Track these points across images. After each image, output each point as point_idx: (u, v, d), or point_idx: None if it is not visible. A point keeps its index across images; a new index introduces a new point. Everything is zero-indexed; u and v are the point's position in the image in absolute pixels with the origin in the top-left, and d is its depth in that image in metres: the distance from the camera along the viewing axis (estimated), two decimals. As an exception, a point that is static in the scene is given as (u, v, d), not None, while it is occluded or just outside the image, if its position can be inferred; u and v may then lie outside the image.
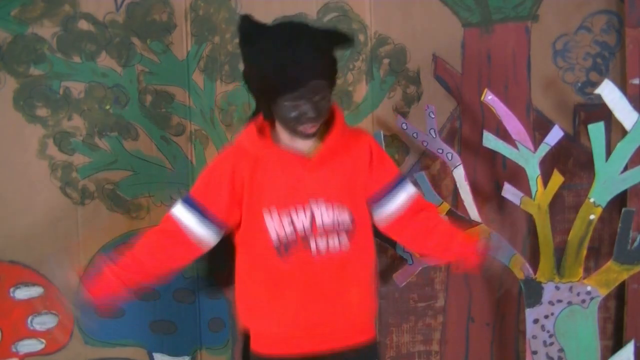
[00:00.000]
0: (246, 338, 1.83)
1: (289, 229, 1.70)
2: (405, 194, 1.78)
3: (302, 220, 1.71)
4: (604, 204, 2.16)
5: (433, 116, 2.23)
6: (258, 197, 1.71)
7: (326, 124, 1.72)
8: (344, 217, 1.72)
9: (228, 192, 1.71)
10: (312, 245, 1.70)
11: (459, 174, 2.24)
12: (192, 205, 1.72)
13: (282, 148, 1.72)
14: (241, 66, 2.31)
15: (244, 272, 1.77)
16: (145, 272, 1.72)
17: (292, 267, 1.70)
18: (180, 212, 1.73)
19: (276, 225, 1.71)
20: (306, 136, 1.68)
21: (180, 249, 1.72)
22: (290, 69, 1.60)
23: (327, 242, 1.71)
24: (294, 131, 1.68)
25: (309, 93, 1.61)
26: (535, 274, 2.24)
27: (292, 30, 1.65)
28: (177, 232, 1.71)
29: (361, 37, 2.33)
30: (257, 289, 1.75)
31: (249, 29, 1.68)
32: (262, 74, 1.64)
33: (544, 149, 2.15)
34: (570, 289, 2.23)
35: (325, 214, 1.71)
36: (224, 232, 1.75)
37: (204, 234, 1.72)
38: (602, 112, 2.20)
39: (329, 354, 1.75)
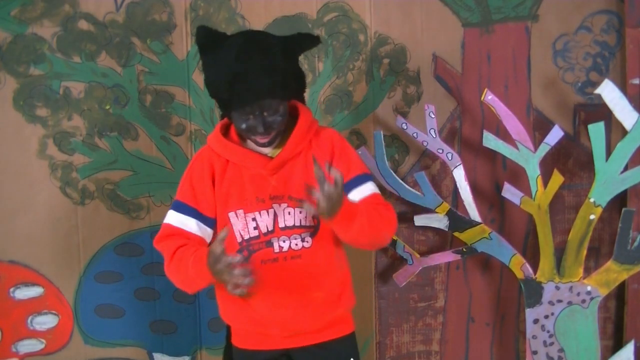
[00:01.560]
0: (229, 331, 1.88)
1: (252, 230, 1.73)
2: (359, 195, 1.73)
3: (265, 221, 1.73)
4: (604, 204, 2.16)
5: (433, 116, 2.23)
6: (225, 198, 1.74)
7: (291, 124, 1.73)
8: (307, 217, 1.73)
9: (210, 189, 1.74)
10: (275, 245, 1.73)
11: (459, 174, 2.24)
12: (187, 210, 1.75)
13: (246, 149, 1.74)
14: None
15: None
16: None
17: (257, 266, 1.71)
18: (178, 220, 1.75)
19: (241, 227, 1.73)
20: (262, 145, 1.71)
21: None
22: (238, 87, 1.62)
23: (290, 242, 1.73)
24: (248, 138, 1.72)
25: (257, 110, 1.64)
26: (535, 274, 2.24)
27: (244, 45, 1.64)
28: (187, 237, 1.74)
29: (361, 37, 2.33)
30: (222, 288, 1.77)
31: (205, 39, 1.69)
32: (214, 86, 1.68)
33: (544, 149, 2.16)
34: (570, 289, 2.23)
35: (287, 216, 1.72)
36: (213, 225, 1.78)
37: (205, 234, 1.76)
38: (602, 112, 2.20)
39: (303, 350, 1.77)
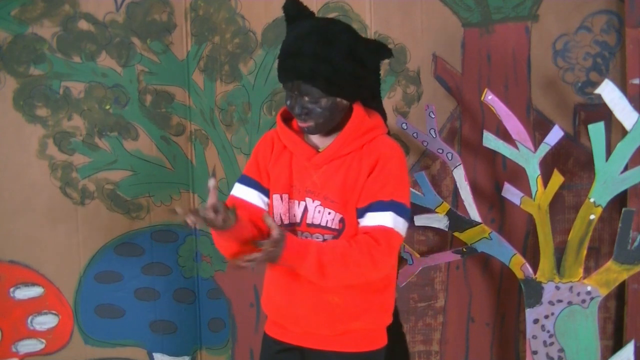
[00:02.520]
0: None
1: (292, 216, 1.74)
2: (368, 221, 1.65)
3: (296, 212, 1.73)
4: (604, 204, 2.16)
5: (433, 116, 2.23)
6: (274, 180, 1.76)
7: (345, 120, 1.71)
8: (335, 220, 1.71)
9: (263, 166, 1.78)
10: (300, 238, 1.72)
11: (459, 174, 2.24)
12: (249, 182, 1.78)
13: (299, 137, 1.74)
14: (242, 66, 2.32)
15: None
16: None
17: None
18: (241, 191, 1.78)
19: (282, 211, 1.74)
20: (302, 130, 1.71)
21: (253, 217, 1.71)
22: (287, 62, 1.65)
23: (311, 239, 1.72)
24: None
25: (297, 90, 1.65)
26: (535, 274, 2.24)
27: (314, 29, 1.65)
28: (247, 207, 1.75)
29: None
30: (268, 274, 1.81)
31: (290, 11, 1.73)
32: (278, 55, 1.71)
33: (544, 149, 2.16)
34: (571, 289, 2.23)
35: (317, 214, 1.72)
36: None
37: (264, 204, 1.77)
38: (602, 112, 2.20)
39: (319, 353, 1.75)
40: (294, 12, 1.72)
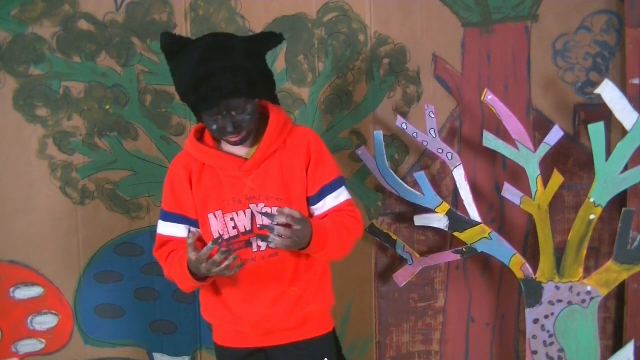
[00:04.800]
0: None
1: (232, 230, 1.75)
2: (333, 202, 1.78)
3: (243, 221, 1.75)
4: (604, 204, 2.16)
5: (433, 116, 2.23)
6: (204, 200, 1.77)
7: (264, 124, 1.75)
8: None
9: (189, 193, 1.78)
10: (254, 245, 1.75)
11: (459, 174, 2.24)
12: (173, 217, 1.80)
13: (221, 152, 1.77)
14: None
15: None
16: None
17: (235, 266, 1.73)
18: (168, 229, 1.81)
19: (220, 227, 1.76)
20: (234, 144, 1.73)
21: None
22: (203, 89, 1.64)
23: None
24: (221, 139, 1.75)
25: (224, 110, 1.66)
26: (535, 274, 2.24)
27: (207, 48, 1.66)
28: (179, 243, 1.78)
29: (361, 37, 2.33)
30: (211, 287, 1.81)
31: (169, 45, 1.73)
32: (180, 90, 1.72)
33: (544, 149, 2.16)
34: (571, 289, 2.23)
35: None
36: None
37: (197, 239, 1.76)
38: (602, 112, 2.20)
39: (278, 349, 1.80)
40: (174, 45, 1.72)
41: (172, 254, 1.77)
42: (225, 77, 1.63)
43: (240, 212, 1.75)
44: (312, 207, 1.79)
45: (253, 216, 1.74)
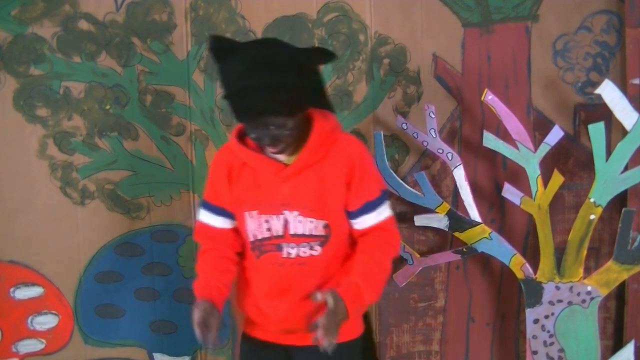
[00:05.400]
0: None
1: (265, 231, 1.76)
2: (373, 220, 1.77)
3: (276, 225, 1.75)
4: (604, 204, 2.16)
5: (433, 116, 2.23)
6: (241, 198, 1.77)
7: (307, 131, 1.72)
8: (318, 227, 1.74)
9: (227, 187, 1.79)
10: (284, 251, 1.75)
11: (459, 174, 2.24)
12: (211, 208, 1.83)
13: (261, 155, 1.75)
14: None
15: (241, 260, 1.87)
16: (224, 271, 1.81)
17: (264, 265, 1.78)
18: (206, 218, 1.84)
19: (254, 227, 1.76)
20: (273, 153, 1.71)
21: (228, 244, 1.84)
22: (241, 103, 1.63)
23: (298, 250, 1.75)
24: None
25: (261, 125, 1.64)
26: (535, 274, 2.24)
27: (253, 60, 1.61)
28: (215, 233, 1.83)
29: (361, 37, 2.33)
30: (243, 276, 1.85)
31: (217, 49, 1.68)
32: (224, 95, 1.68)
33: (544, 149, 2.16)
34: (571, 289, 2.23)
35: (298, 224, 1.74)
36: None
37: (231, 225, 1.83)
38: (602, 112, 2.20)
39: (301, 350, 1.79)
40: (223, 49, 1.67)
41: (205, 257, 1.83)
42: (262, 96, 1.59)
43: (274, 216, 1.74)
44: (352, 221, 1.77)
45: (286, 222, 1.74)
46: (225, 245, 1.83)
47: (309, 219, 1.73)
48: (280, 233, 1.75)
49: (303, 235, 1.74)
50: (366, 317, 1.93)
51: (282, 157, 1.74)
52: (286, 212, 1.74)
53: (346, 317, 1.66)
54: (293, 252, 1.75)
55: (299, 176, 1.73)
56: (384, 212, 1.78)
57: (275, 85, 1.60)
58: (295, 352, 1.82)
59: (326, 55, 1.71)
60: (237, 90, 1.62)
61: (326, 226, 1.75)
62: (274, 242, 1.75)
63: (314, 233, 1.74)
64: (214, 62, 1.71)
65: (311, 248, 1.75)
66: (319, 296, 1.65)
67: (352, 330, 1.83)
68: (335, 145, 1.74)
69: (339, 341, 1.76)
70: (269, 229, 1.75)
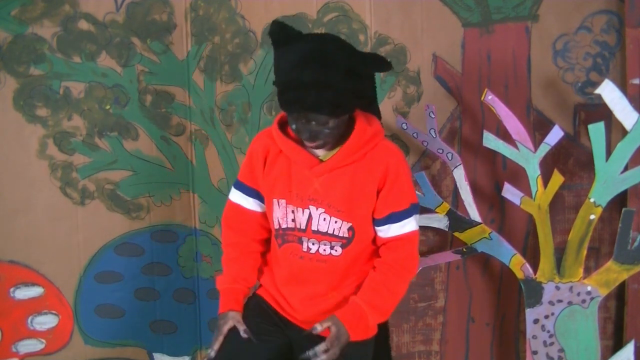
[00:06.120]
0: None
1: (290, 221, 1.76)
2: (396, 231, 1.76)
3: (300, 218, 1.75)
4: (604, 204, 2.16)
5: (433, 116, 2.23)
6: (272, 184, 1.78)
7: (349, 131, 1.72)
8: (342, 229, 1.74)
9: (262, 171, 1.80)
10: (304, 245, 1.76)
11: (459, 174, 2.24)
12: (244, 188, 1.84)
13: (299, 146, 1.74)
14: (242, 66, 2.33)
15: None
16: (249, 253, 1.87)
17: (285, 255, 1.79)
18: (238, 197, 1.86)
19: (280, 215, 1.77)
20: (310, 147, 1.72)
21: (254, 224, 1.87)
22: (288, 94, 1.62)
23: (319, 247, 1.75)
24: None
25: (303, 119, 1.64)
26: (535, 274, 2.24)
27: (308, 55, 1.60)
28: (244, 212, 1.85)
29: (361, 37, 2.33)
30: (270, 258, 1.87)
31: (277, 35, 1.67)
32: (275, 82, 1.69)
33: (544, 149, 2.16)
34: (571, 289, 2.23)
35: (322, 221, 1.74)
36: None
37: (261, 208, 1.85)
38: (602, 112, 2.20)
39: (310, 336, 1.74)
40: (283, 37, 1.66)
41: (230, 251, 1.87)
42: (312, 91, 1.59)
43: (300, 209, 1.75)
44: (377, 228, 1.77)
45: (310, 217, 1.74)
46: (252, 233, 1.86)
47: (334, 218, 1.73)
48: (303, 227, 1.75)
49: (325, 234, 1.74)
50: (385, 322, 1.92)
51: (319, 152, 1.74)
52: (312, 208, 1.74)
53: (348, 340, 1.68)
54: (313, 248, 1.75)
55: (331, 174, 1.72)
56: (408, 225, 1.75)
57: (324, 84, 1.59)
58: (304, 339, 1.77)
59: (382, 64, 1.69)
60: (287, 81, 1.62)
61: (351, 229, 1.74)
62: (297, 235, 1.76)
63: (336, 233, 1.74)
64: (273, 48, 1.69)
65: (332, 247, 1.75)
66: (319, 327, 1.67)
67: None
68: (374, 150, 1.74)
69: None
70: (293, 220, 1.75)
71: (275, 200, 1.77)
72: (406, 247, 1.77)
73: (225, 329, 1.77)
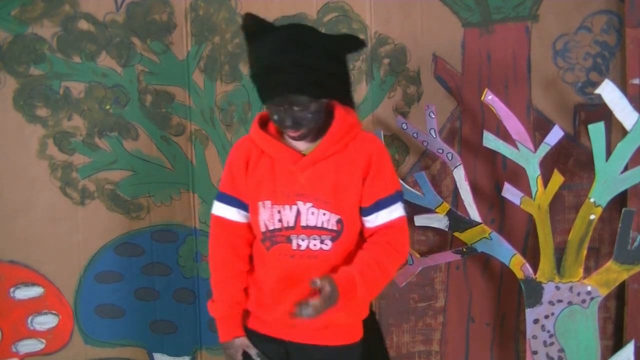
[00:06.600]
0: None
1: (277, 222, 1.75)
2: (385, 218, 1.76)
3: (288, 216, 1.75)
4: (604, 204, 2.16)
5: (433, 116, 2.23)
6: (256, 187, 1.77)
7: (328, 124, 1.74)
8: (331, 221, 1.74)
9: (244, 177, 1.79)
10: (294, 243, 1.75)
11: (459, 174, 2.24)
12: (227, 199, 1.82)
13: (281, 143, 1.76)
14: (242, 66, 2.33)
15: (252, 251, 1.87)
16: (237, 274, 1.84)
17: (273, 258, 1.77)
18: (221, 210, 1.83)
19: (266, 217, 1.76)
20: (293, 138, 1.73)
21: (240, 238, 1.84)
22: (271, 79, 1.65)
23: (309, 242, 1.75)
24: (282, 131, 1.74)
25: (286, 103, 1.66)
26: (535, 274, 2.24)
27: (285, 40, 1.66)
28: (229, 225, 1.83)
29: (361, 37, 2.32)
30: (253, 270, 1.84)
31: (250, 27, 1.72)
32: (251, 73, 1.72)
33: (544, 149, 2.15)
34: (571, 289, 2.23)
35: (310, 215, 1.74)
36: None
37: (246, 219, 1.82)
38: (602, 112, 2.20)
39: (300, 348, 1.80)
40: (255, 28, 1.71)
41: (221, 264, 1.83)
42: (293, 73, 1.63)
43: (287, 207, 1.74)
44: (364, 218, 1.77)
45: (298, 213, 1.74)
46: (239, 248, 1.83)
47: (322, 210, 1.73)
48: (292, 224, 1.74)
49: (315, 228, 1.74)
50: (377, 323, 1.92)
51: (301, 146, 1.74)
52: (299, 203, 1.74)
53: (335, 304, 1.65)
54: (303, 244, 1.74)
55: (316, 166, 1.73)
56: (395, 212, 1.76)
57: (305, 65, 1.63)
58: (294, 349, 1.81)
59: (356, 42, 1.73)
60: (267, 67, 1.65)
61: (339, 221, 1.74)
62: (285, 234, 1.75)
63: (325, 226, 1.74)
64: (246, 41, 1.73)
65: (322, 242, 1.74)
66: (318, 282, 1.63)
67: (351, 334, 1.83)
68: (355, 140, 1.75)
69: (337, 344, 1.79)
70: (280, 220, 1.75)
71: (260, 203, 1.77)
72: (397, 233, 1.76)
73: (239, 357, 1.80)
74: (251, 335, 1.86)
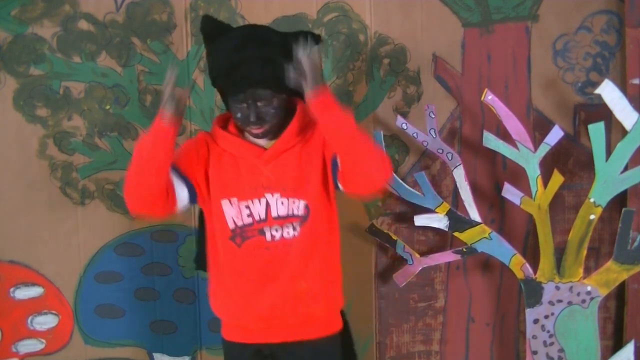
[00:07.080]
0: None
1: (246, 217, 1.77)
2: None
3: (258, 210, 1.77)
4: (604, 204, 2.16)
5: (433, 116, 2.23)
6: (220, 185, 1.78)
7: (289, 122, 1.77)
8: (300, 207, 1.76)
9: (198, 162, 1.77)
10: (268, 234, 1.77)
11: (459, 174, 2.24)
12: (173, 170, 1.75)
13: (242, 140, 1.78)
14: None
15: (211, 259, 1.85)
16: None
17: (247, 254, 1.77)
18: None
19: (234, 214, 1.77)
20: (256, 136, 1.75)
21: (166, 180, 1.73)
22: (233, 75, 1.69)
23: (282, 232, 1.77)
24: (244, 129, 1.77)
25: (250, 99, 1.69)
26: (535, 274, 2.24)
27: (244, 37, 1.72)
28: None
29: (361, 37, 2.33)
30: (219, 277, 1.83)
31: (209, 28, 1.78)
32: (213, 74, 1.77)
33: (544, 149, 2.16)
34: (570, 289, 2.23)
35: (280, 206, 1.76)
36: (194, 201, 1.80)
37: (179, 192, 1.76)
38: (602, 112, 2.20)
39: (283, 348, 1.80)
40: (215, 30, 1.77)
41: None
42: (256, 67, 1.68)
43: (256, 201, 1.76)
44: (337, 173, 1.73)
45: (268, 205, 1.76)
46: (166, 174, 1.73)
47: (290, 199, 1.76)
48: (263, 216, 1.77)
49: (287, 217, 1.77)
50: (343, 314, 1.93)
51: (262, 143, 1.78)
52: (267, 195, 1.76)
53: (320, 83, 1.62)
54: (277, 234, 1.77)
55: (279, 158, 1.76)
56: None
57: (265, 59, 1.69)
58: (278, 350, 1.82)
59: (311, 37, 1.75)
60: (229, 64, 1.69)
61: (305, 207, 1.77)
62: (257, 227, 1.77)
63: (295, 213, 1.76)
64: (204, 42, 1.78)
65: (294, 229, 1.77)
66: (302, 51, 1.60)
67: (331, 325, 1.86)
68: (315, 131, 1.78)
69: (318, 337, 1.81)
70: (249, 215, 1.77)
71: (225, 201, 1.77)
72: None
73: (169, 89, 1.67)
74: (231, 347, 1.86)
